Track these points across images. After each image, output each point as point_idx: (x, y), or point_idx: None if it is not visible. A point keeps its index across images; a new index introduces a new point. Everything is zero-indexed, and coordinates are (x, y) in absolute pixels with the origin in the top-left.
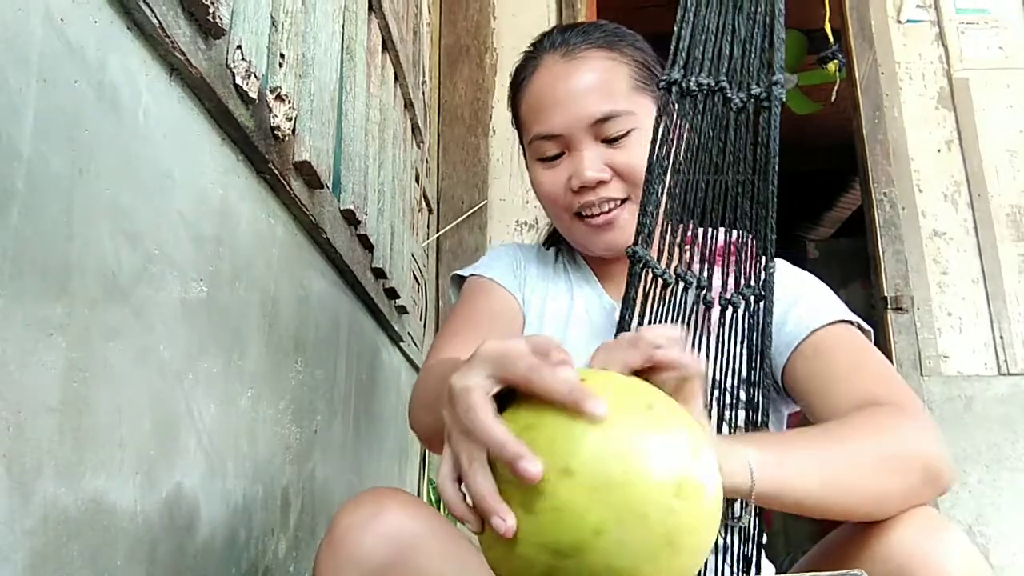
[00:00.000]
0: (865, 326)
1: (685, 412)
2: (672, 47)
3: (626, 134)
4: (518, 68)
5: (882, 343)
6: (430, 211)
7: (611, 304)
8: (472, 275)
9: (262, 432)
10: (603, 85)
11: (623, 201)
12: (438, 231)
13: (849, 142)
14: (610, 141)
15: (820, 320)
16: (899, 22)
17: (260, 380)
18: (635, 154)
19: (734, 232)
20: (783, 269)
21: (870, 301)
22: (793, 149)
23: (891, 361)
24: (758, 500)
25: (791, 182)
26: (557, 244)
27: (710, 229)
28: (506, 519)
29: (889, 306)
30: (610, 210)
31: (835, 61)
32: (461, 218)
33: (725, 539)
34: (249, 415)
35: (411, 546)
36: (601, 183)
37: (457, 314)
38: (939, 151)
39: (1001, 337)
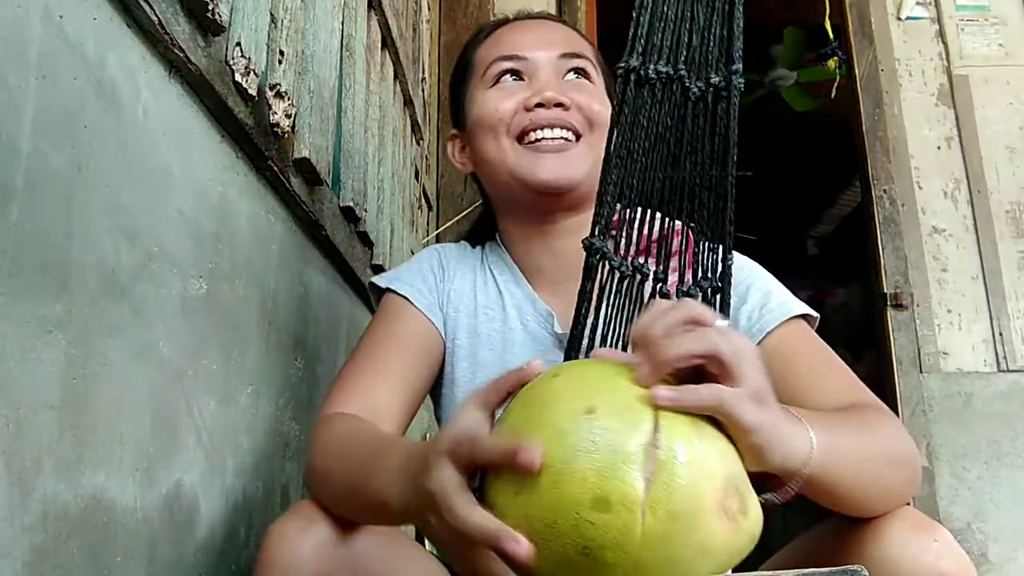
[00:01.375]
0: (813, 313)
1: (636, 430)
2: (631, 33)
3: (588, 79)
4: (477, 30)
5: (881, 340)
6: (430, 208)
7: (546, 310)
8: (388, 289)
9: (262, 429)
10: (572, 37)
11: (577, 138)
12: (438, 228)
13: (849, 139)
14: (574, 75)
15: (785, 313)
16: (899, 19)
17: (260, 377)
18: (595, 101)
19: (691, 223)
20: (737, 259)
21: (869, 298)
22: (793, 146)
23: (891, 358)
24: (805, 484)
25: (790, 179)
26: (482, 239)
27: (667, 220)
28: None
29: (889, 303)
30: (564, 139)
31: (835, 58)
32: (461, 215)
33: None
34: (249, 412)
35: (348, 552)
36: (560, 106)
37: (367, 345)
38: (939, 148)
39: (1000, 334)
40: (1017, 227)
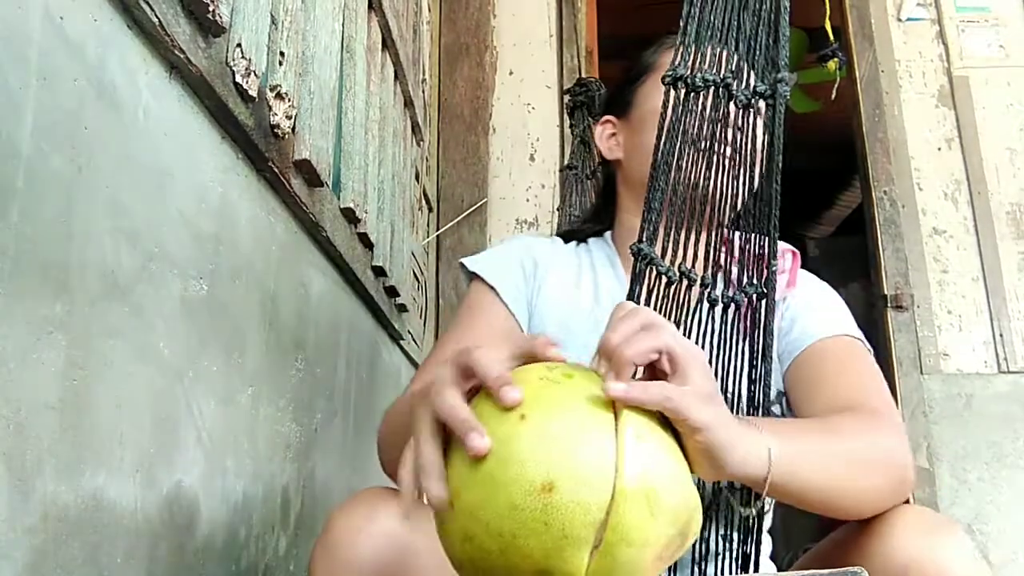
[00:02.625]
0: (862, 340)
1: (601, 415)
2: (678, 43)
3: None
4: (655, 47)
5: (882, 342)
6: (430, 209)
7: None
8: (477, 275)
9: (262, 430)
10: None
11: None
12: (438, 229)
13: (849, 140)
14: None
15: (824, 332)
16: (899, 20)
17: (260, 378)
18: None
19: (737, 230)
20: (803, 277)
21: (870, 299)
22: (793, 147)
23: (891, 359)
24: (770, 489)
25: (791, 180)
26: (584, 236)
27: (714, 226)
28: (477, 444)
29: (889, 304)
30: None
31: (835, 59)
32: (461, 216)
33: (726, 535)
34: (249, 413)
35: (406, 548)
36: None
37: (450, 334)
38: (939, 149)
39: (1001, 335)
40: (1017, 228)
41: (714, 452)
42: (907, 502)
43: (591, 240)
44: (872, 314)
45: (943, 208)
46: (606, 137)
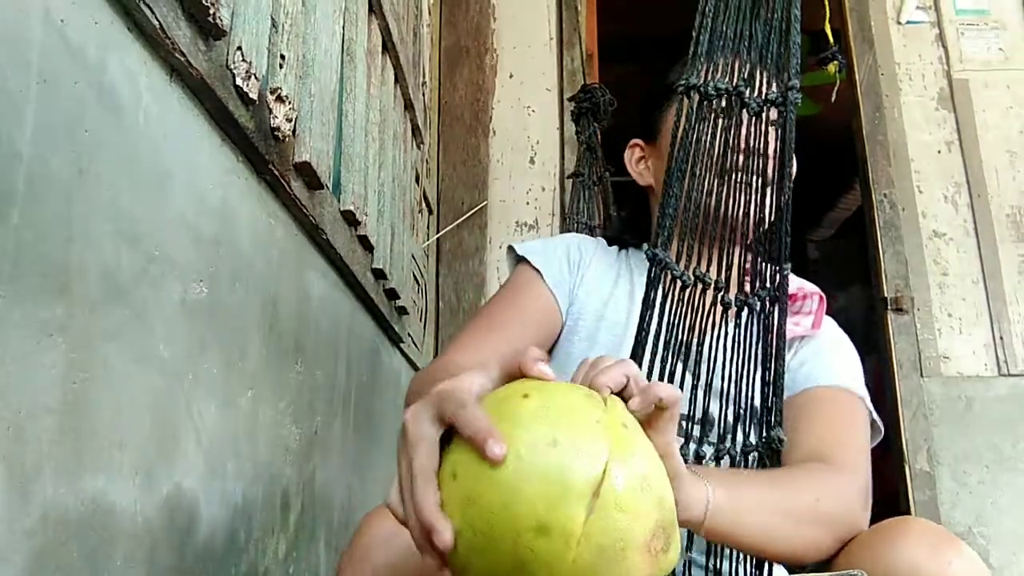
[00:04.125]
0: (875, 415)
1: (598, 448)
2: (691, 51)
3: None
4: (676, 67)
5: (882, 344)
6: (430, 212)
7: None
8: (524, 258)
9: (262, 433)
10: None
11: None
12: (438, 232)
13: (849, 143)
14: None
15: (829, 381)
16: (899, 23)
17: (260, 381)
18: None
19: (749, 235)
20: (827, 323)
21: (870, 302)
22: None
23: (891, 362)
24: (706, 533)
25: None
26: (624, 245)
27: (727, 232)
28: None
29: (889, 307)
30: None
31: (835, 62)
32: (461, 219)
33: None
34: (249, 416)
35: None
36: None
37: (490, 307)
38: (939, 152)
39: (1001, 338)
40: (1017, 231)
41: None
42: (908, 512)
43: (631, 249)
44: (872, 317)
45: (943, 211)
46: (635, 162)
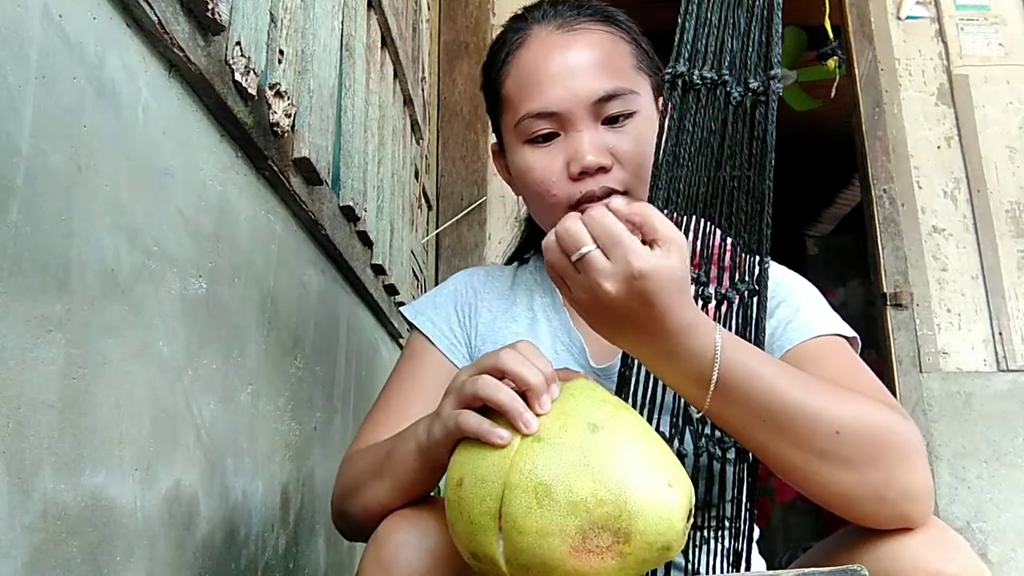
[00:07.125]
0: (851, 333)
1: (628, 453)
2: (676, 40)
3: (629, 116)
4: (499, 42)
5: (881, 340)
6: (429, 207)
7: (579, 341)
8: (414, 324)
9: (261, 429)
10: (606, 60)
11: (623, 194)
12: (437, 227)
13: (849, 139)
14: (611, 121)
15: (812, 331)
16: (899, 18)
17: (259, 377)
18: (638, 140)
19: (730, 227)
20: (777, 273)
21: (869, 298)
22: (792, 145)
23: (890, 357)
24: (715, 399)
25: (790, 178)
26: (524, 258)
27: (709, 224)
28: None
29: (888, 302)
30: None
31: (835, 57)
32: (460, 214)
33: (717, 534)
34: (248, 412)
35: (459, 568)
36: (602, 170)
37: (392, 384)
38: (939, 147)
39: (1000, 333)
40: (1017, 226)
41: (665, 301)
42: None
43: (532, 259)
44: (871, 312)
45: (942, 206)
46: (503, 169)
